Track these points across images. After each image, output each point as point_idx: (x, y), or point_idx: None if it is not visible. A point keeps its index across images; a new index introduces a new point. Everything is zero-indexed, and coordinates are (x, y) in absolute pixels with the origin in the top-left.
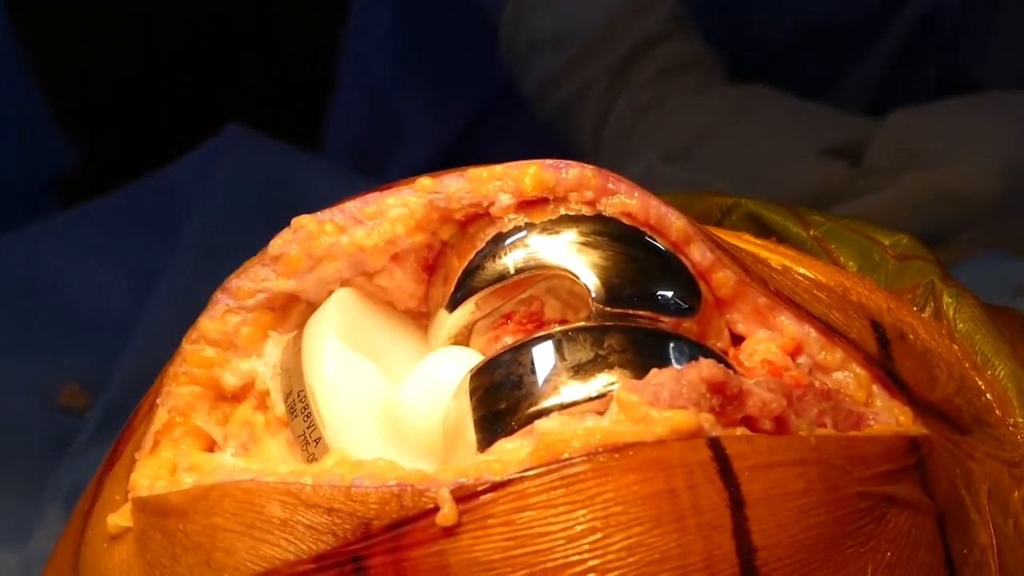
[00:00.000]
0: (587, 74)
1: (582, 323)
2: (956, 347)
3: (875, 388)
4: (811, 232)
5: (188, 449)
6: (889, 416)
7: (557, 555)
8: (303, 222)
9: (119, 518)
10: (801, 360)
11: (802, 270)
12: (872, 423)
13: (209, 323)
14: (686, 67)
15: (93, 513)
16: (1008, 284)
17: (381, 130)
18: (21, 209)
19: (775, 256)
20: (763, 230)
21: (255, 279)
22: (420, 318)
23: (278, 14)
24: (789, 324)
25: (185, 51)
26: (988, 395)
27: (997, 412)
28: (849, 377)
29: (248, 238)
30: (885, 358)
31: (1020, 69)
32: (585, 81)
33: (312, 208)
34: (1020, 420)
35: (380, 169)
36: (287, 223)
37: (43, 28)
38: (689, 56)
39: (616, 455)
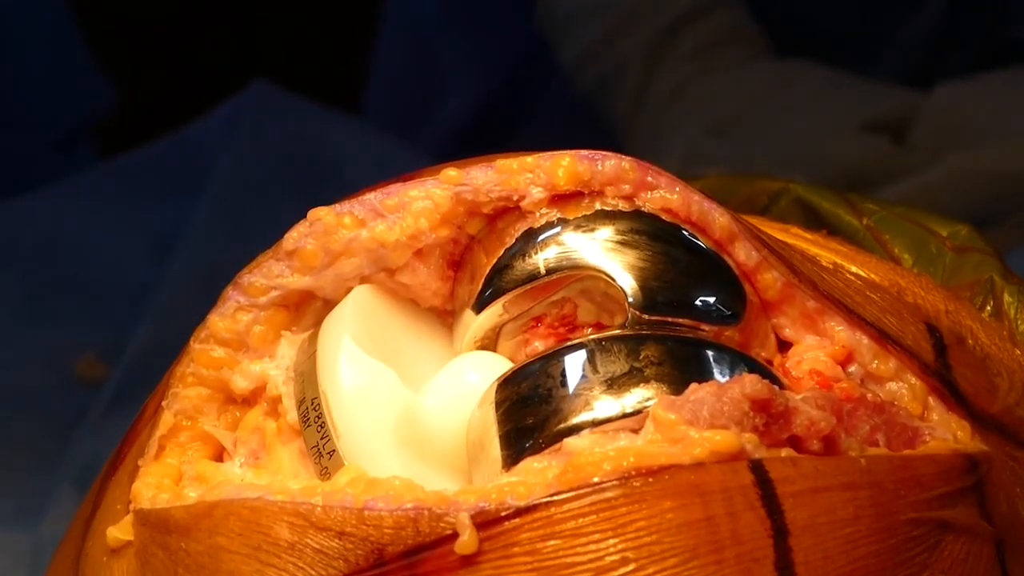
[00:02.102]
0: (626, 46)
1: (617, 331)
2: (1018, 351)
3: (931, 400)
4: (864, 221)
5: (194, 456)
6: (946, 431)
7: None
8: (320, 215)
9: (119, 531)
10: (852, 369)
11: (854, 268)
12: (928, 439)
13: (219, 321)
14: (728, 41)
15: (94, 522)
16: None
17: (421, 82)
18: (55, 155)
19: (826, 253)
20: (813, 218)
21: (268, 275)
22: (445, 316)
23: None
24: (840, 330)
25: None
26: None
27: None
28: (903, 388)
29: (273, 203)
30: (942, 366)
31: None
32: (624, 54)
33: (343, 173)
34: None
35: (416, 132)
36: (316, 188)
37: None
38: (731, 30)
39: (651, 479)
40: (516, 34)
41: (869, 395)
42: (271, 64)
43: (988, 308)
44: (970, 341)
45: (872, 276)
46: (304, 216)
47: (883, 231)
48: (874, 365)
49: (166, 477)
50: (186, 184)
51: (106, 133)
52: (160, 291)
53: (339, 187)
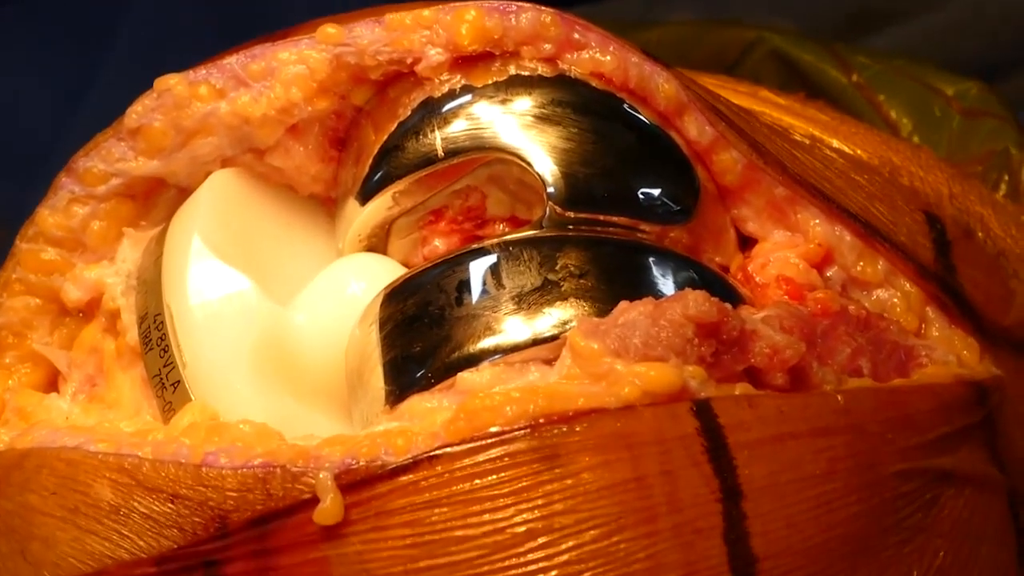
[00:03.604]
0: None
1: (530, 232)
2: None
3: (929, 311)
4: (854, 78)
5: (20, 383)
6: (948, 350)
7: (481, 569)
8: (169, 84)
9: None
10: (831, 273)
11: (836, 143)
12: (925, 362)
13: (50, 216)
14: None
15: None
16: None
17: None
18: None
19: (801, 123)
20: (792, 75)
21: (108, 159)
22: (329, 205)
23: None
24: (816, 223)
25: None
26: None
27: None
28: (895, 297)
29: (200, 48)
30: (944, 268)
31: None
32: None
33: (283, 12)
34: None
35: None
36: (250, 30)
37: None
38: None
39: (565, 428)
40: None
41: (852, 307)
42: None
43: (1003, 186)
44: (980, 233)
45: (858, 152)
46: None
47: (877, 90)
48: (858, 267)
49: None
50: (102, 26)
51: None
52: (62, 149)
53: (274, 27)
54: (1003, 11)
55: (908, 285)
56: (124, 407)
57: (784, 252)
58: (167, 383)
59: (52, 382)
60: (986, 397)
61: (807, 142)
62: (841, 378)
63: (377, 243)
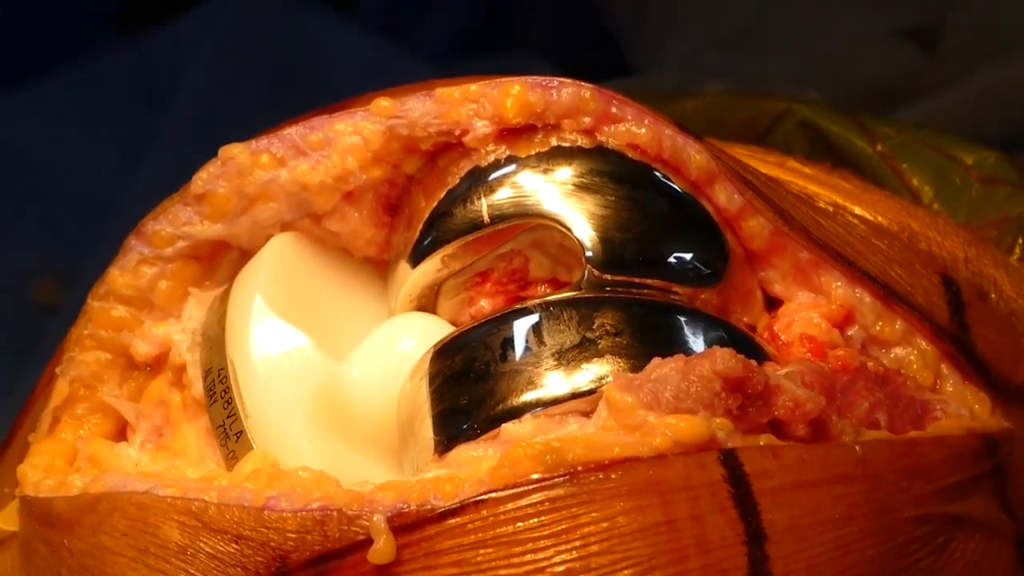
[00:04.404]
0: None
1: (569, 294)
2: None
3: (944, 368)
4: (878, 148)
5: (91, 432)
6: (960, 405)
7: None
8: (233, 152)
9: (4, 521)
10: (852, 332)
11: (858, 210)
12: (939, 415)
13: (119, 276)
14: None
15: None
16: None
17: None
18: (71, 41)
19: (825, 191)
20: (820, 144)
21: (175, 222)
22: (383, 268)
23: None
24: (838, 286)
25: None
26: None
27: None
28: (912, 354)
29: (251, 113)
30: (958, 327)
31: None
32: None
33: (330, 79)
34: None
35: (412, 33)
36: (299, 96)
37: None
38: None
39: (601, 475)
40: None
41: (870, 363)
42: None
43: (1017, 250)
44: (993, 296)
45: (879, 219)
46: None
47: (900, 159)
48: (878, 327)
49: (58, 456)
50: (159, 90)
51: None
52: (123, 207)
53: (324, 95)
54: (1019, 89)
55: (924, 343)
56: (190, 456)
57: (808, 312)
58: (230, 433)
59: (121, 432)
60: (996, 448)
61: (831, 209)
62: (859, 430)
63: (427, 303)
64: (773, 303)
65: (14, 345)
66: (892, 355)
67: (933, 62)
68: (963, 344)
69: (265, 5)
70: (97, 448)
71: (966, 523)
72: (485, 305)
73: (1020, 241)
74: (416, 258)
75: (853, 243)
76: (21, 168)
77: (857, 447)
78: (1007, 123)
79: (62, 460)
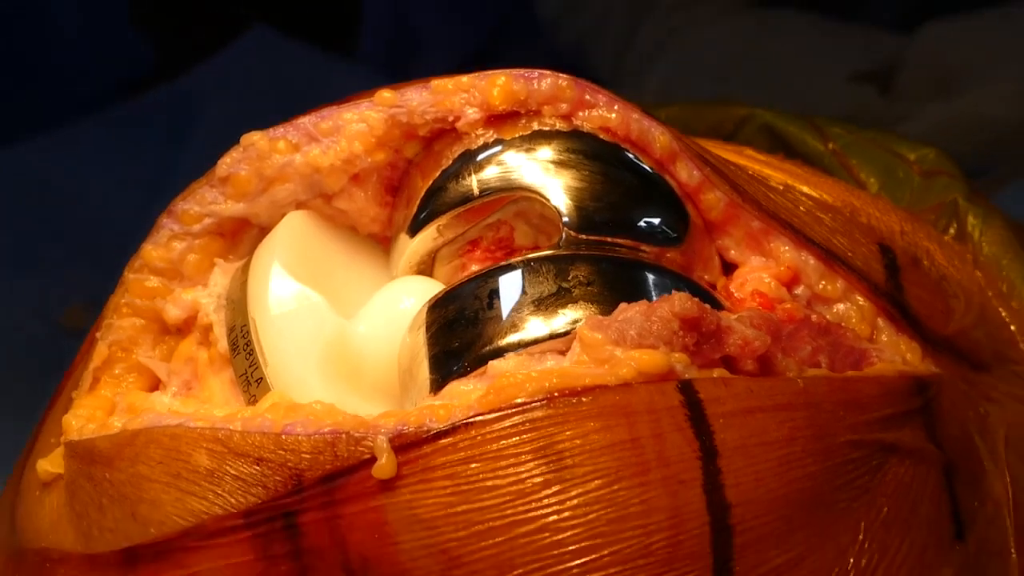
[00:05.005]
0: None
1: (548, 252)
2: (979, 273)
3: (880, 321)
4: (830, 146)
5: (128, 388)
6: (894, 352)
7: (506, 512)
8: (253, 139)
9: (50, 464)
10: (799, 291)
11: (806, 189)
12: (875, 361)
13: (153, 250)
14: None
15: (30, 459)
16: None
17: (408, 33)
18: (100, 85)
19: (777, 174)
20: (779, 144)
21: (202, 202)
22: (385, 243)
23: None
24: (785, 250)
25: None
26: (1012, 327)
27: (1022, 346)
28: (852, 309)
29: None
30: (893, 287)
31: None
32: (606, 6)
33: None
34: None
35: (409, 72)
36: None
37: None
38: None
39: (574, 400)
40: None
41: (814, 316)
42: (273, 7)
43: (952, 230)
44: (926, 262)
45: (824, 197)
46: None
47: (850, 156)
48: (821, 286)
49: (98, 409)
50: (179, 132)
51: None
52: (144, 238)
53: None
54: (969, 122)
55: (862, 300)
56: (216, 402)
57: (759, 273)
58: (252, 380)
59: (154, 389)
60: (926, 388)
61: (781, 187)
62: (802, 368)
63: (424, 270)
64: (729, 268)
65: (43, 367)
66: (834, 310)
67: (888, 101)
68: (897, 301)
69: (278, 53)
70: (134, 398)
71: (898, 450)
72: (476, 269)
73: (955, 223)
74: (414, 229)
75: (800, 215)
76: (54, 202)
77: (800, 381)
78: (958, 156)
79: (102, 412)
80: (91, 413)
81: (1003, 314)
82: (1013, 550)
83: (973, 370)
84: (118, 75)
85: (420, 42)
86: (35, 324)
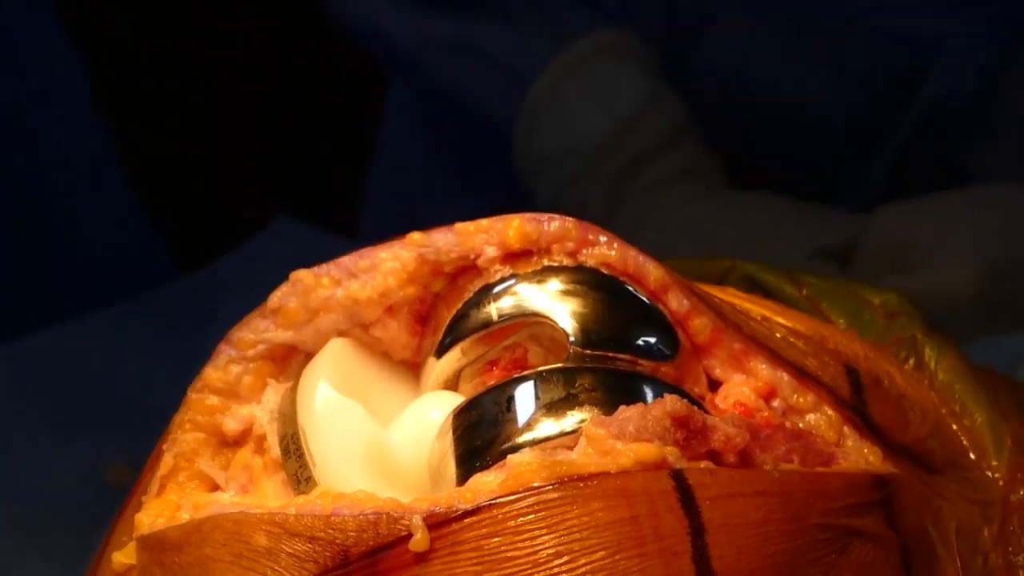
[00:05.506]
0: (587, 185)
1: (558, 365)
2: (934, 394)
3: (846, 429)
4: (803, 292)
5: (191, 492)
6: (859, 455)
7: None
8: (301, 276)
9: (124, 556)
10: (775, 403)
11: (781, 320)
12: (841, 462)
13: (213, 373)
14: (684, 176)
15: (104, 556)
16: (1002, 359)
17: (412, 218)
18: (125, 290)
19: (756, 308)
20: (758, 289)
21: (256, 330)
22: (415, 369)
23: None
24: (763, 368)
25: (247, 148)
26: (964, 440)
27: (972, 456)
28: (821, 419)
29: None
30: (858, 402)
31: (1014, 161)
32: (585, 192)
33: None
34: (996, 463)
35: None
36: None
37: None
38: (687, 165)
39: (581, 484)
40: (497, 177)
41: (788, 423)
42: (294, 199)
43: (911, 361)
44: (886, 382)
45: (797, 327)
46: None
47: (821, 300)
48: (794, 399)
49: (166, 509)
50: (209, 314)
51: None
52: (177, 405)
53: None
54: (921, 297)
55: (830, 411)
56: (270, 500)
57: (740, 387)
58: (302, 479)
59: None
60: (885, 484)
61: (759, 318)
62: (777, 463)
63: (450, 387)
64: (715, 386)
65: (92, 519)
66: (806, 419)
67: (848, 276)
68: (861, 413)
69: (291, 243)
70: (198, 498)
71: (861, 534)
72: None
73: (914, 354)
74: (441, 351)
75: (776, 340)
76: (96, 377)
77: (775, 472)
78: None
79: (169, 512)
80: (159, 512)
81: (955, 428)
82: None
83: (928, 473)
84: (154, 266)
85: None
86: (83, 483)
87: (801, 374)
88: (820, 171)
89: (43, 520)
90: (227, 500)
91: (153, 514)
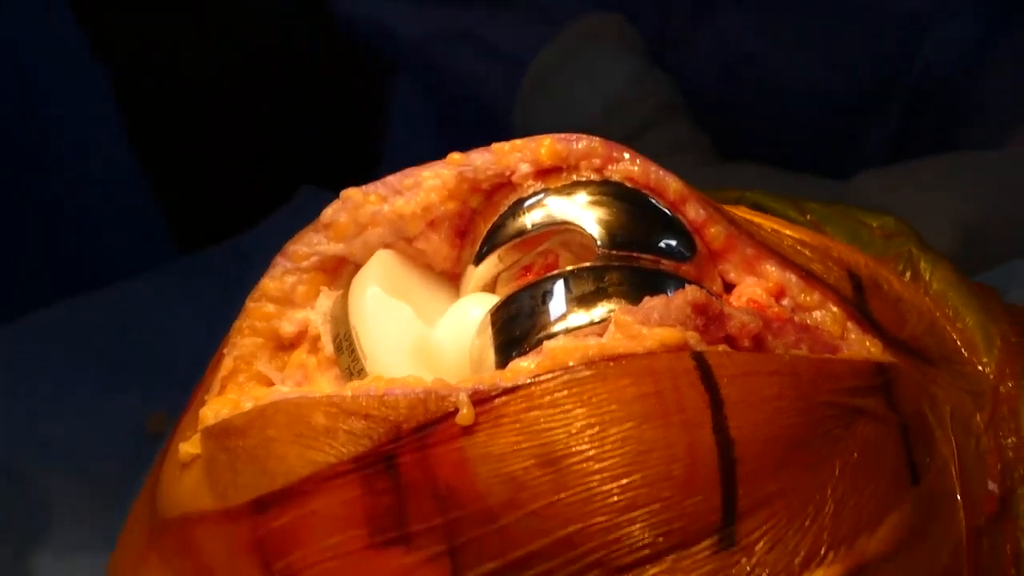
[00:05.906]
0: None
1: (588, 264)
2: (929, 300)
3: (849, 324)
4: (807, 216)
5: (251, 389)
6: (861, 347)
7: (560, 447)
8: (351, 194)
9: (190, 446)
10: (784, 301)
11: (788, 232)
12: (845, 351)
13: (270, 283)
14: (674, 153)
15: (168, 452)
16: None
17: None
18: (135, 253)
19: (765, 221)
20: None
21: (309, 244)
22: (455, 279)
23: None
24: (773, 271)
25: (265, 126)
26: (957, 340)
27: (964, 353)
28: (826, 315)
29: None
30: (859, 301)
31: (1004, 134)
32: None
33: None
34: (986, 359)
35: None
36: None
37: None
38: (677, 142)
39: (611, 363)
40: None
41: (796, 318)
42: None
43: (908, 273)
44: (885, 287)
45: (803, 237)
46: None
47: (824, 223)
48: (802, 297)
49: (227, 405)
50: (237, 280)
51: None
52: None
53: None
54: None
55: (835, 308)
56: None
57: (752, 287)
58: (354, 371)
59: None
60: (886, 371)
61: (768, 229)
62: (787, 349)
63: (488, 291)
64: (729, 289)
65: (132, 464)
66: (812, 316)
67: None
68: (862, 310)
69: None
70: (258, 392)
71: (864, 413)
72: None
73: (910, 267)
74: (479, 259)
75: (784, 247)
76: (135, 336)
77: (786, 356)
78: None
79: (231, 405)
80: (223, 405)
81: (948, 329)
82: (959, 495)
83: (924, 364)
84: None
85: None
86: (125, 430)
87: (808, 276)
88: (811, 149)
89: (92, 466)
90: (286, 390)
91: (216, 407)
